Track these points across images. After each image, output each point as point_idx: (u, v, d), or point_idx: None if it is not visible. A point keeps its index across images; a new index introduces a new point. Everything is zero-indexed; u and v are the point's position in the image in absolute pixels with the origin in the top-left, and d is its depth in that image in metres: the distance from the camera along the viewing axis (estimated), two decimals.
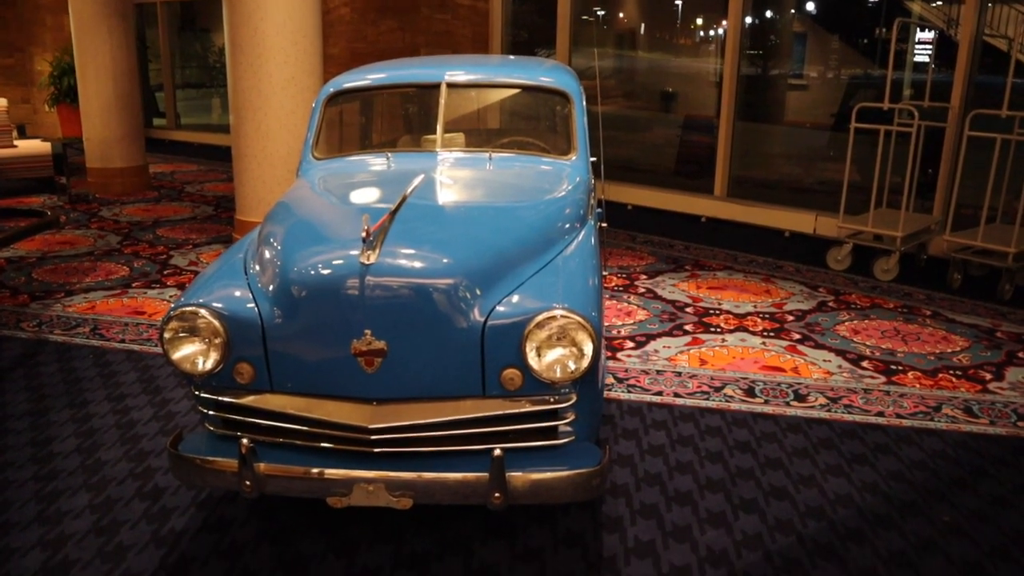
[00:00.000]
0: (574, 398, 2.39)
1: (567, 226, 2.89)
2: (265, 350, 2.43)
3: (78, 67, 8.42)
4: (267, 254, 2.58)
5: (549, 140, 3.67)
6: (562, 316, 2.29)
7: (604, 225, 3.48)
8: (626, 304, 5.30)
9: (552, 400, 2.37)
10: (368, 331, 2.32)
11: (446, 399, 2.39)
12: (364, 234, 2.29)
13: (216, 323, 2.42)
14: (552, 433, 2.44)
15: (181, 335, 2.46)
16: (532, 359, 2.31)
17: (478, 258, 2.42)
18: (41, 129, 12.99)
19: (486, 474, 2.31)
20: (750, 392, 3.98)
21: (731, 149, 7.79)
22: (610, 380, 4.08)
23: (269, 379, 2.46)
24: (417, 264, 2.34)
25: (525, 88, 3.70)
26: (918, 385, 4.09)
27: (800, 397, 3.93)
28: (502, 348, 2.32)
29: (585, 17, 9.96)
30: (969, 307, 5.33)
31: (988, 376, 4.22)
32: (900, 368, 4.29)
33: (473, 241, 2.51)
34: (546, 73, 3.73)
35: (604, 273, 3.50)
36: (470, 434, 2.41)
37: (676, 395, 3.94)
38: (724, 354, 4.47)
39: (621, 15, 11.04)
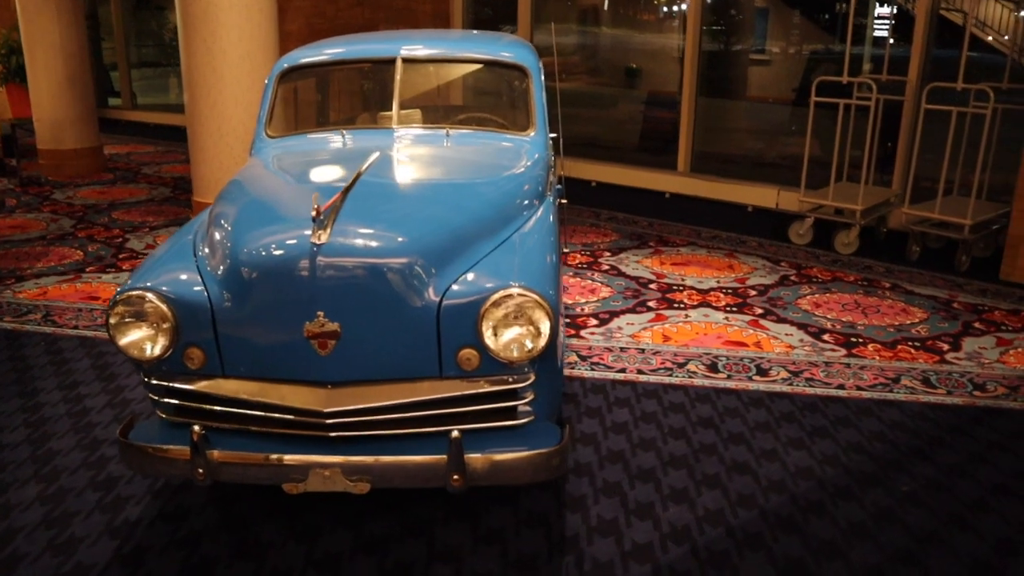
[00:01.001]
0: (532, 378, 2.36)
1: (525, 203, 2.85)
2: (215, 334, 2.36)
3: (25, 46, 8.15)
4: (217, 235, 2.51)
5: (508, 116, 3.62)
6: (519, 294, 2.25)
7: (564, 202, 3.44)
8: (590, 281, 5.28)
9: (510, 380, 2.34)
10: (321, 313, 2.26)
11: (402, 381, 2.35)
12: (314, 213, 2.23)
13: (163, 307, 2.35)
14: (511, 413, 2.41)
15: (128, 320, 2.38)
16: (489, 339, 2.27)
17: (432, 236, 2.37)
18: None
19: (444, 456, 2.28)
20: (713, 367, 3.98)
21: (693, 125, 7.78)
22: (572, 358, 4.06)
23: (221, 364, 2.39)
24: (370, 243, 2.29)
25: (483, 63, 3.64)
26: (878, 357, 4.13)
27: (762, 371, 3.95)
28: (458, 328, 2.28)
29: None
30: (927, 279, 5.39)
31: (945, 347, 4.27)
32: (860, 341, 4.33)
33: (427, 219, 2.46)
34: (505, 48, 3.67)
35: (565, 250, 3.46)
36: (428, 416, 2.37)
37: (640, 372, 3.93)
38: (687, 330, 4.47)
39: None
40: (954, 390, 3.78)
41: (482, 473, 2.32)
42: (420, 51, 3.55)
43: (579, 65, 10.94)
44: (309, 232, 2.26)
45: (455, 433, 2.27)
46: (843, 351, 4.20)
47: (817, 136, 6.14)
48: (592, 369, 3.96)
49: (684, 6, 8.86)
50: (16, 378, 3.84)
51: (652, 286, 5.20)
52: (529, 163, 3.18)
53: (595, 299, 4.95)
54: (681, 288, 5.16)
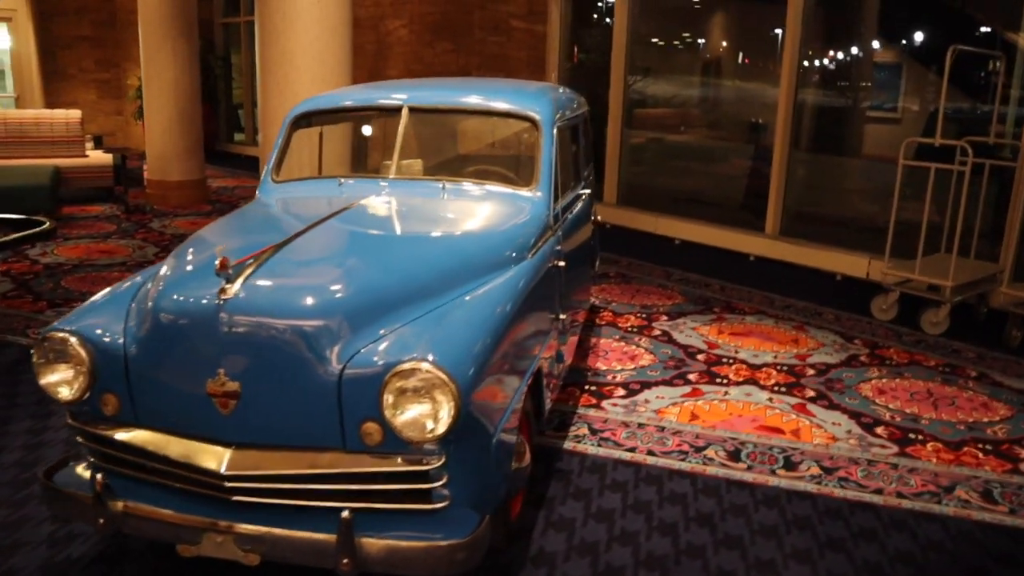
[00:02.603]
0: (442, 460, 2.13)
1: (488, 264, 2.64)
2: (128, 382, 2.28)
3: (144, 85, 8.72)
4: (150, 282, 2.44)
5: (514, 169, 3.43)
6: (424, 369, 2.04)
7: (561, 264, 3.20)
8: (633, 347, 4.95)
9: (414, 461, 2.12)
10: (221, 370, 2.14)
11: (307, 450, 2.18)
12: (218, 267, 2.11)
13: (81, 351, 2.29)
14: (424, 496, 2.19)
15: (51, 360, 2.34)
16: (389, 414, 2.07)
17: (349, 299, 2.21)
18: (131, 140, 13.64)
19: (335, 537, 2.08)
20: (734, 455, 3.59)
21: (786, 183, 7.31)
22: (583, 431, 3.76)
23: (134, 413, 2.31)
24: (276, 302, 2.15)
25: (491, 114, 3.48)
26: (935, 459, 3.60)
27: (790, 465, 3.51)
28: (360, 399, 2.09)
29: (658, 41, 9.65)
30: None
31: None
32: (920, 438, 3.80)
33: (352, 279, 2.30)
34: (520, 98, 3.49)
35: (562, 316, 3.21)
36: (331, 490, 2.18)
37: (650, 453, 3.59)
38: (721, 409, 4.08)
39: (709, 41, 10.65)
40: (1019, 508, 3.22)
41: (376, 558, 2.10)
42: (427, 100, 3.43)
43: (698, 118, 10.62)
44: (218, 286, 2.15)
45: (345, 513, 2.07)
46: (895, 448, 3.69)
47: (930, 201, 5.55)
48: (599, 445, 3.65)
49: (838, 62, 8.44)
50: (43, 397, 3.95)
51: (699, 357, 4.81)
52: (516, 222, 2.98)
53: (632, 367, 4.62)
54: (731, 361, 4.75)
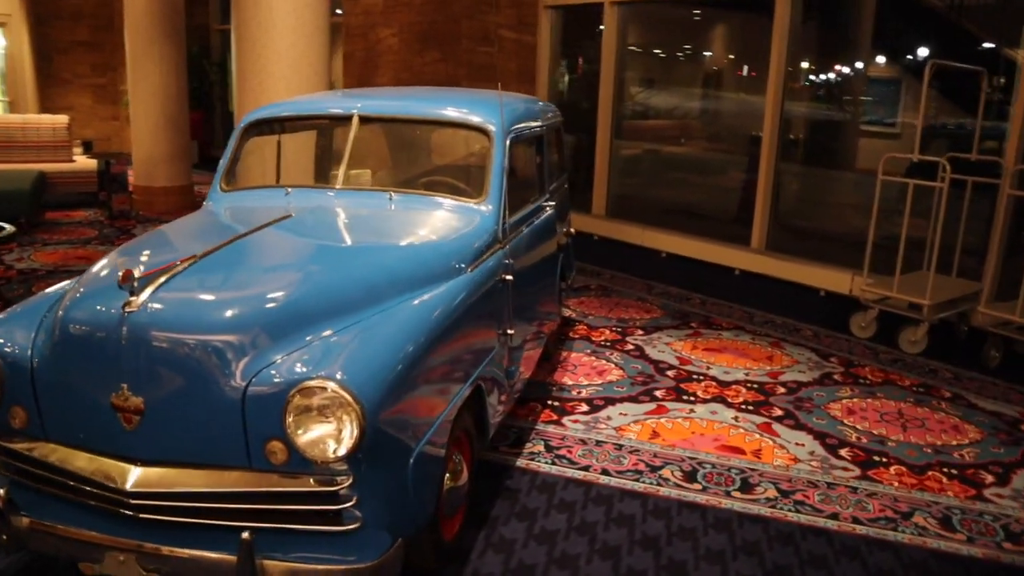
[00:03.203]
0: (349, 480, 2.05)
1: (419, 277, 2.56)
2: (35, 395, 2.21)
3: (130, 89, 8.70)
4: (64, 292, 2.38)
5: (465, 180, 3.36)
6: (330, 389, 1.97)
7: (508, 278, 3.12)
8: (603, 362, 4.87)
9: (321, 481, 2.04)
10: (124, 385, 2.07)
11: (213, 467, 2.10)
12: (120, 279, 2.05)
13: None
14: (333, 518, 2.11)
15: None
16: (292, 433, 1.99)
17: (259, 313, 2.14)
18: (125, 146, 13.61)
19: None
20: (690, 476, 3.49)
21: (772, 197, 7.22)
22: (539, 447, 3.67)
23: (41, 426, 2.24)
24: (179, 316, 2.08)
25: (442, 124, 3.41)
26: (896, 483, 3.50)
27: (747, 487, 3.42)
28: (264, 417, 2.02)
29: (659, 53, 9.58)
30: (1001, 391, 4.62)
31: (990, 479, 3.58)
32: (884, 460, 3.70)
33: (264, 293, 2.24)
34: (470, 108, 3.42)
35: (509, 332, 3.13)
36: (238, 510, 2.10)
37: (604, 472, 3.50)
38: (684, 427, 3.98)
39: (710, 53, 10.57)
40: (977, 537, 3.12)
41: None
42: (378, 109, 3.37)
43: (698, 130, 10.54)
44: (123, 298, 2.08)
45: (245, 535, 1.99)
46: (857, 471, 3.60)
47: (919, 216, 5.44)
48: (553, 463, 3.56)
49: (830, 76, 8.35)
50: None
51: (669, 373, 4.72)
52: (457, 235, 2.91)
53: (599, 382, 4.53)
54: (701, 378, 4.65)
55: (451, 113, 3.38)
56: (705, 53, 10.05)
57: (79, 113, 13.57)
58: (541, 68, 9.09)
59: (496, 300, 3.05)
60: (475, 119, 3.31)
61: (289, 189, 3.29)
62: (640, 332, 5.47)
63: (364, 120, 3.34)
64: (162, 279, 2.14)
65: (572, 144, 9.59)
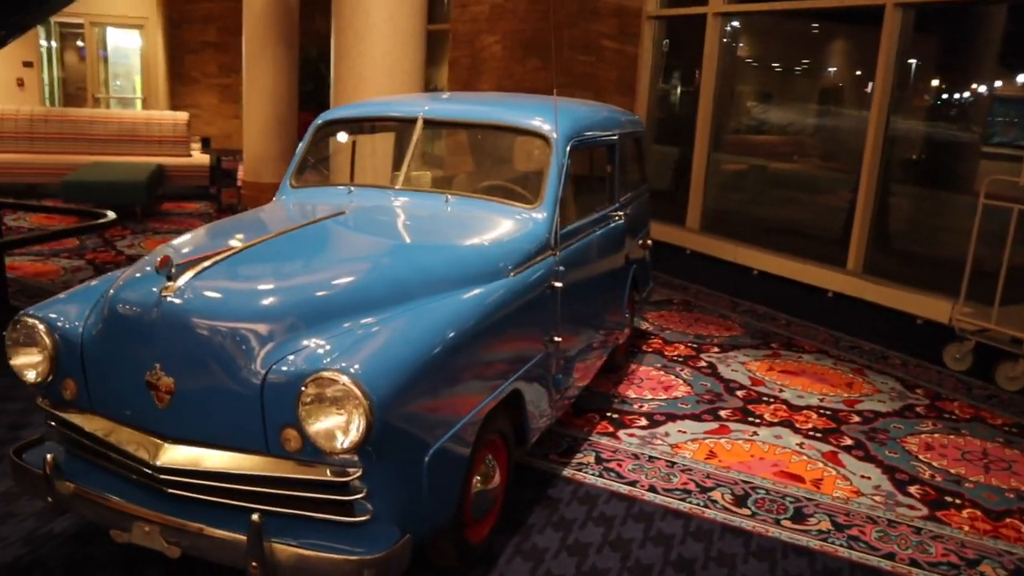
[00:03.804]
0: (358, 473, 2.08)
1: (455, 278, 2.58)
2: (84, 370, 2.36)
3: (244, 90, 9.15)
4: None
5: (524, 186, 3.36)
6: (340, 381, 2.01)
7: (557, 285, 3.10)
8: (672, 377, 4.76)
9: (334, 471, 2.09)
10: (158, 365, 2.17)
11: (235, 450, 2.18)
12: (157, 265, 2.16)
13: (46, 337, 2.38)
14: (345, 508, 2.15)
15: (20, 343, 2.45)
16: (304, 422, 2.05)
17: (286, 304, 2.21)
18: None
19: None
20: (741, 500, 3.37)
21: (872, 218, 6.89)
22: (589, 459, 3.63)
23: (88, 399, 2.38)
24: (209, 302, 2.17)
25: (503, 129, 3.42)
26: (967, 528, 3.27)
27: (800, 516, 3.27)
28: (280, 405, 2.08)
29: (774, 64, 9.30)
30: None
31: None
32: (957, 502, 3.46)
33: (295, 285, 2.31)
34: (534, 114, 3.42)
35: (556, 339, 3.11)
36: (255, 493, 2.17)
37: (651, 489, 3.42)
38: (743, 450, 3.85)
39: (829, 68, 10.20)
40: None
41: (286, 566, 2.08)
42: (442, 113, 3.42)
43: (812, 147, 10.19)
44: (162, 282, 2.20)
45: (255, 516, 2.06)
46: (924, 510, 3.38)
47: None
48: (600, 475, 3.51)
49: (952, 92, 7.93)
50: None
51: (739, 393, 4.57)
52: (504, 239, 2.92)
53: (663, 397, 4.44)
54: (771, 401, 4.48)
55: (512, 119, 3.40)
56: (825, 68, 9.66)
57: (205, 111, 14.38)
58: (642, 79, 8.99)
59: (543, 306, 3.04)
60: (536, 125, 3.31)
61: (352, 188, 3.38)
62: (716, 349, 5.32)
63: (429, 123, 3.40)
64: (200, 267, 2.24)
65: (676, 157, 9.45)
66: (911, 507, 3.40)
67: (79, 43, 13.89)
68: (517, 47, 9.21)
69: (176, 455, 2.20)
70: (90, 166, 8.36)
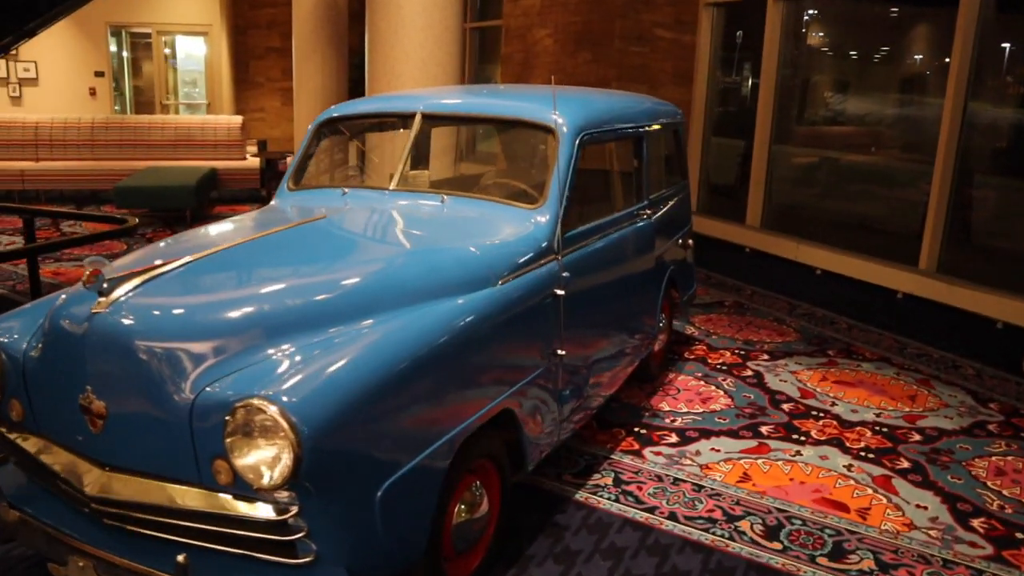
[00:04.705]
0: (294, 510, 1.85)
1: (425, 289, 2.32)
2: (27, 390, 2.21)
3: (295, 91, 9.13)
4: None
5: (528, 183, 3.09)
6: (269, 412, 1.78)
7: (560, 293, 2.81)
8: (713, 388, 4.40)
9: (264, 507, 1.87)
10: (89, 387, 2.00)
11: (168, 480, 1.99)
12: (85, 280, 1.98)
13: None
14: (286, 548, 1.92)
15: None
16: (231, 454, 1.83)
17: (219, 321, 2.01)
18: None
19: None
20: (772, 532, 3.02)
21: (947, 211, 6.32)
22: (607, 480, 3.33)
23: (34, 420, 2.23)
24: (140, 319, 1.97)
25: (505, 122, 3.16)
26: None
27: (839, 552, 2.90)
28: (209, 433, 1.87)
29: (852, 52, 8.74)
30: None
31: None
32: None
33: (234, 300, 2.10)
34: (539, 105, 3.15)
35: (560, 352, 2.83)
36: (190, 528, 1.97)
37: (671, 516, 3.10)
38: (782, 472, 3.48)
39: (911, 55, 9.57)
40: None
41: None
42: (442, 107, 3.17)
43: (891, 138, 9.59)
44: (95, 300, 2.02)
45: (181, 557, 1.85)
46: (989, 549, 2.96)
47: None
48: (616, 499, 3.21)
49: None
50: None
51: (785, 406, 4.19)
52: (496, 243, 2.65)
53: (699, 410, 4.09)
54: (820, 415, 4.08)
55: (516, 111, 3.13)
56: (906, 54, 9.02)
57: (269, 114, 14.56)
58: (700, 69, 8.56)
59: (542, 317, 2.76)
60: (540, 117, 3.03)
61: (347, 190, 3.17)
62: (765, 357, 4.93)
63: (428, 118, 3.16)
64: (134, 281, 2.05)
65: (739, 151, 8.98)
66: (973, 544, 2.98)
67: (166, 51, 14.21)
68: (568, 40, 8.90)
69: (110, 484, 2.02)
70: (143, 171, 8.46)
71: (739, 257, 7.81)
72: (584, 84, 8.66)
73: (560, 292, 2.82)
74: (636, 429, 3.85)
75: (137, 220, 4.61)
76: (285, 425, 1.76)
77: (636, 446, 3.68)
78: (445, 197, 3.00)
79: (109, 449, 2.03)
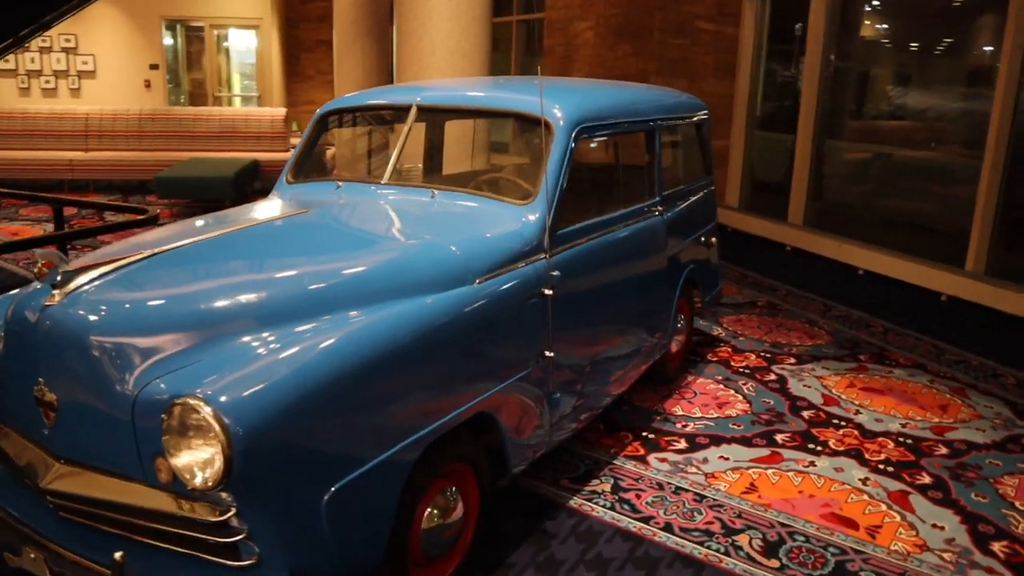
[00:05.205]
0: (231, 511, 1.80)
1: (393, 287, 2.25)
2: None
3: (335, 84, 9.16)
4: None
5: (523, 177, 2.99)
6: (202, 411, 1.73)
7: (548, 292, 2.71)
8: (732, 392, 4.24)
9: (202, 507, 1.82)
10: (41, 380, 1.98)
11: (117, 476, 1.96)
12: (38, 272, 1.97)
13: None
14: (228, 550, 1.87)
15: None
16: (169, 452, 1.79)
17: (166, 316, 1.97)
18: None
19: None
20: (772, 548, 2.87)
21: (996, 211, 6.01)
22: (605, 486, 3.22)
23: (1, 410, 2.23)
24: (87, 314, 1.95)
25: (500, 114, 3.06)
26: None
27: (840, 573, 2.74)
28: (150, 432, 1.83)
29: (913, 46, 8.38)
30: None
31: None
32: None
33: (191, 294, 2.05)
34: (535, 97, 3.04)
35: (548, 354, 2.74)
36: (141, 526, 1.94)
37: (665, 527, 2.97)
38: (792, 484, 3.32)
39: (976, 46, 9.16)
40: None
41: None
42: (438, 99, 3.09)
43: (952, 133, 9.20)
44: (49, 293, 2.00)
45: (118, 555, 1.82)
46: (1008, 575, 2.76)
47: None
48: (611, 507, 3.09)
49: None
50: None
51: (805, 413, 4.01)
52: (478, 240, 2.56)
53: (713, 416, 3.94)
54: (841, 424, 3.89)
55: (511, 103, 3.03)
56: (969, 46, 8.61)
57: (318, 107, 14.65)
58: (743, 62, 8.31)
59: (527, 317, 2.66)
60: (534, 110, 2.92)
61: (340, 183, 3.12)
62: (792, 361, 4.74)
63: (425, 111, 3.09)
64: (90, 275, 2.03)
65: (787, 146, 8.71)
66: (990, 570, 2.79)
67: (226, 44, 14.47)
68: (609, 33, 8.74)
69: (63, 477, 2.01)
70: (185, 162, 8.60)
71: (779, 256, 7.58)
72: (623, 78, 8.49)
73: (548, 292, 2.72)
74: (644, 433, 3.73)
75: (159, 211, 4.65)
76: (216, 426, 1.71)
77: (641, 451, 3.56)
78: (435, 192, 2.92)
79: (61, 442, 2.01)
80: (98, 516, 1.98)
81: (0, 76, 13.02)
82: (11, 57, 12.88)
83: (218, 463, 1.72)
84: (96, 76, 13.22)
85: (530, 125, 2.98)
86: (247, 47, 14.74)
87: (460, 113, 3.18)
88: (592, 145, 3.50)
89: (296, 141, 9.92)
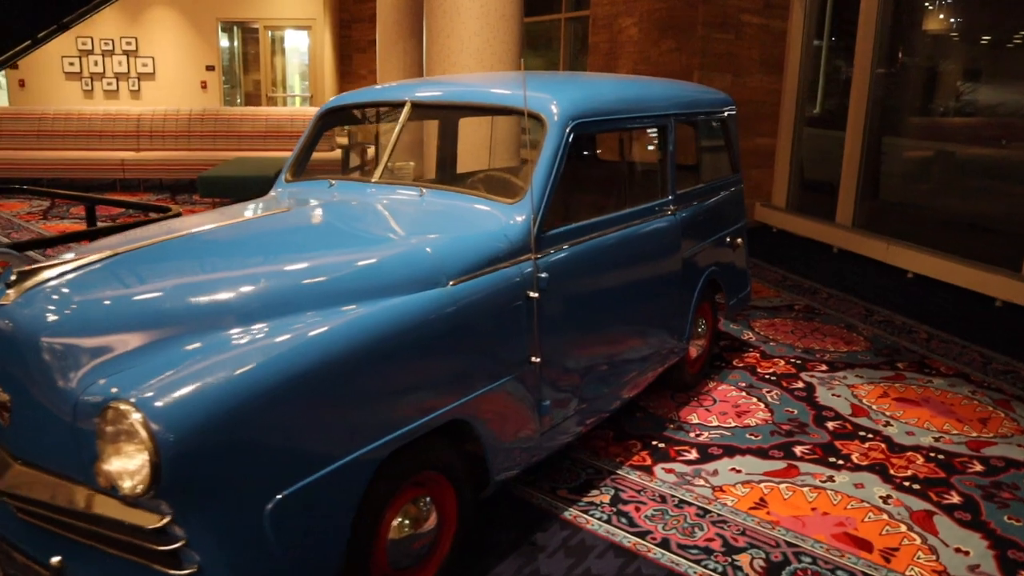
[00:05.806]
0: (165, 519, 1.75)
1: (355, 289, 2.16)
2: None
3: (379, 84, 9.18)
4: None
5: (516, 175, 2.89)
6: (131, 416, 1.68)
7: (534, 296, 2.59)
8: (754, 400, 4.06)
9: (134, 514, 1.77)
10: None
11: (65, 479, 1.93)
12: (8, 272, 1.96)
13: None
14: (169, 558, 1.82)
15: None
16: (102, 457, 1.74)
17: (121, 317, 1.92)
18: None
19: None
20: (774, 569, 2.70)
21: None
22: (604, 497, 3.09)
23: None
24: (36, 313, 1.92)
25: (493, 110, 2.96)
26: None
27: None
28: (88, 435, 1.79)
29: (985, 38, 8.00)
30: None
31: None
32: None
33: (142, 297, 2.01)
34: (531, 92, 2.93)
35: (534, 359, 2.63)
36: (89, 531, 1.91)
37: (662, 543, 2.83)
38: (805, 500, 3.14)
39: None
40: None
41: None
42: (432, 95, 3.01)
43: (1020, 129, 8.76)
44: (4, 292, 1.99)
45: (55, 559, 1.79)
46: None
47: None
48: (607, 521, 2.96)
49: None
50: None
51: (830, 424, 3.80)
52: (455, 240, 2.47)
53: (730, 425, 3.77)
54: (868, 437, 3.68)
55: (504, 98, 2.92)
56: None
57: None
58: (791, 56, 8.03)
59: (510, 320, 2.56)
60: (531, 106, 2.81)
61: (333, 182, 3.07)
62: (823, 368, 4.52)
63: (419, 107, 3.01)
64: (49, 273, 2.01)
65: (841, 143, 8.38)
66: None
67: (287, 44, 14.74)
68: (653, 28, 8.54)
69: (20, 477, 1.99)
70: (228, 162, 8.73)
71: (825, 257, 7.29)
72: (667, 74, 8.29)
73: (534, 295, 2.61)
74: (654, 442, 3.58)
75: (181, 211, 4.69)
76: (144, 433, 1.65)
77: (648, 461, 3.41)
78: (424, 190, 2.84)
79: (16, 442, 2.00)
80: (49, 519, 1.95)
81: (67, 79, 13.50)
82: (76, 60, 13.35)
83: (145, 470, 1.67)
84: (155, 78, 13.58)
85: (521, 121, 2.87)
86: (301, 48, 14.96)
87: (453, 110, 3.09)
88: (593, 141, 3.37)
89: (342, 140, 9.99)
